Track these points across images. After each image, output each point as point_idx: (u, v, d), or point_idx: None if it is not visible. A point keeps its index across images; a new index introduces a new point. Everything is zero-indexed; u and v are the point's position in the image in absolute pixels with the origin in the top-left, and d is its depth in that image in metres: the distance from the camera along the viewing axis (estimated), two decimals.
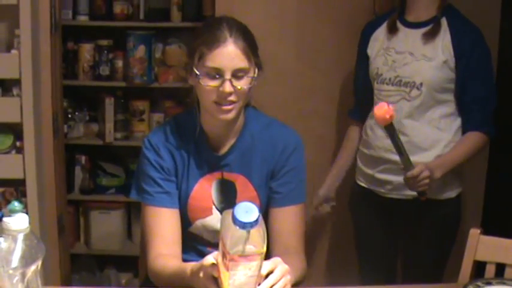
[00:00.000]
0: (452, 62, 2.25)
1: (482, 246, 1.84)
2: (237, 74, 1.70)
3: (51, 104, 2.70)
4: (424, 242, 2.39)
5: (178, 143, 1.85)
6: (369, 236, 2.53)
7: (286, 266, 1.48)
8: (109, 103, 3.51)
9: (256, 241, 1.33)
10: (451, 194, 2.36)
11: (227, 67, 1.69)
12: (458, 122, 2.32)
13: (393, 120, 2.03)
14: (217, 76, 1.70)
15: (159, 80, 3.50)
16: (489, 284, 1.70)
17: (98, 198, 3.59)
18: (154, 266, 1.77)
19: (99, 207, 3.60)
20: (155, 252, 1.79)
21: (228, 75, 1.69)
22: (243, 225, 1.31)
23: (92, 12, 3.48)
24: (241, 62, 1.70)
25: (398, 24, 2.37)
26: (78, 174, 3.58)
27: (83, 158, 3.59)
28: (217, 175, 1.85)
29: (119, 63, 3.50)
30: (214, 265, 1.43)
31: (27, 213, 1.31)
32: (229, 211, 1.35)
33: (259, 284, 1.42)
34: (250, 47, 1.73)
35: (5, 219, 1.28)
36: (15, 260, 1.27)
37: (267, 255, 1.42)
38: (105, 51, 3.50)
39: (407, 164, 2.13)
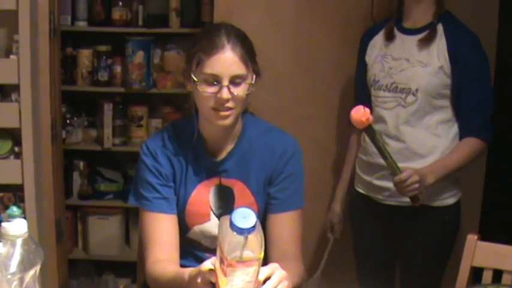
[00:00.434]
0: (448, 68, 2.25)
1: (479, 252, 1.84)
2: (234, 81, 1.71)
3: (50, 109, 2.70)
4: (422, 249, 2.39)
5: (176, 148, 1.85)
6: (367, 242, 2.53)
7: (283, 272, 1.48)
8: (107, 109, 3.51)
9: (254, 247, 1.33)
10: (449, 200, 2.36)
11: (225, 73, 1.69)
12: (455, 128, 2.32)
13: (371, 123, 2.02)
14: (215, 82, 1.70)
15: (158, 85, 3.51)
16: None
17: (96, 203, 3.60)
18: (153, 272, 1.78)
19: (97, 212, 3.60)
20: (153, 257, 1.79)
21: (225, 82, 1.69)
22: (241, 231, 1.32)
23: (90, 18, 3.49)
24: (238, 68, 1.71)
25: (396, 31, 2.38)
26: (77, 179, 3.58)
27: (81, 164, 3.59)
28: (215, 181, 1.85)
29: (118, 69, 3.51)
30: (212, 271, 1.44)
31: (25, 218, 1.31)
32: (227, 217, 1.35)
33: None
34: (248, 54, 1.73)
35: (3, 224, 1.28)
36: (14, 265, 1.27)
37: (265, 261, 1.43)
38: (104, 57, 3.51)
39: (393, 168, 2.12)
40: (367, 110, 2.00)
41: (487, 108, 2.28)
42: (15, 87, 2.55)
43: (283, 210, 1.84)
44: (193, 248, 1.90)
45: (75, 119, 3.57)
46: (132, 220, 3.62)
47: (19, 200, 2.62)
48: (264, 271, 1.44)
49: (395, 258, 2.52)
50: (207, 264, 1.46)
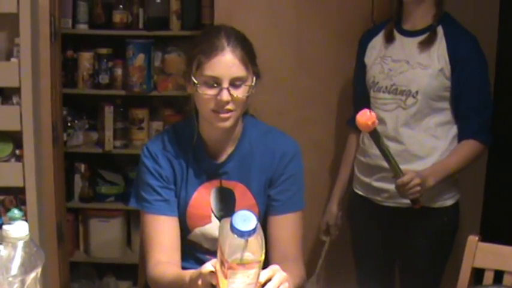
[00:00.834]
0: (448, 70, 2.25)
1: (480, 253, 1.84)
2: (234, 83, 1.71)
3: (51, 112, 2.70)
4: (421, 250, 2.38)
5: (177, 151, 1.85)
6: (366, 243, 2.53)
7: (284, 274, 1.48)
8: (108, 111, 3.51)
9: (255, 249, 1.34)
10: (448, 202, 2.36)
11: (225, 76, 1.70)
12: (454, 130, 2.32)
13: (376, 127, 2.02)
14: (215, 85, 1.71)
15: (158, 88, 3.51)
16: None
17: (97, 206, 3.60)
18: (154, 274, 1.78)
19: (99, 215, 3.60)
20: (154, 259, 1.80)
21: (225, 84, 1.70)
22: (241, 234, 1.32)
23: (91, 20, 3.49)
24: (238, 70, 1.71)
25: (395, 33, 2.38)
26: (78, 182, 3.59)
27: (83, 166, 3.59)
28: (215, 183, 1.86)
29: (118, 72, 3.51)
30: (212, 273, 1.44)
31: (26, 221, 1.31)
32: (228, 219, 1.35)
33: None
34: (248, 56, 1.74)
35: (4, 226, 1.29)
36: (15, 267, 1.27)
37: (265, 263, 1.43)
38: (105, 60, 3.51)
39: (396, 171, 2.12)
40: (373, 113, 1.99)
41: (486, 110, 2.28)
42: (16, 90, 2.55)
43: (283, 212, 1.84)
44: (194, 250, 1.90)
45: (76, 121, 3.57)
46: (133, 222, 3.62)
47: (20, 203, 2.62)
48: (265, 273, 1.45)
49: (394, 260, 2.52)
50: (207, 267, 1.46)
